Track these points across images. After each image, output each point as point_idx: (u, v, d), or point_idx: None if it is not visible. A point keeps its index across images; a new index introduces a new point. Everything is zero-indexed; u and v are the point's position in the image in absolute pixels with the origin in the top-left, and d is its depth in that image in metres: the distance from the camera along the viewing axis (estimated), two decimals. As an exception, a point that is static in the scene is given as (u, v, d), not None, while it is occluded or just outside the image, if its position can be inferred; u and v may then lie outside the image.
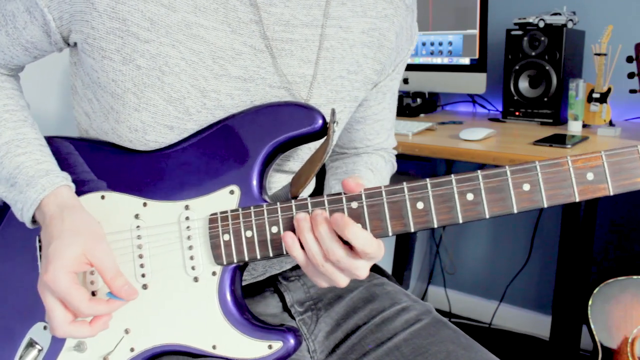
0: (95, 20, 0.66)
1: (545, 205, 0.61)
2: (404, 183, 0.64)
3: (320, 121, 0.69)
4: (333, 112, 0.70)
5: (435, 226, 0.63)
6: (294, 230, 0.65)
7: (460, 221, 0.63)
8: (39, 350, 0.72)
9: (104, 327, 0.66)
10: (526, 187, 0.61)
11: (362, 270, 0.64)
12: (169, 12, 0.67)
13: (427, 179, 0.63)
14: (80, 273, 0.68)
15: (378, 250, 0.63)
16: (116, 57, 0.67)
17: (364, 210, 0.64)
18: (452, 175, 0.63)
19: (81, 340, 0.71)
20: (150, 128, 0.70)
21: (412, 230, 0.64)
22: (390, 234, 0.64)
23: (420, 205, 0.63)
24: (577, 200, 0.61)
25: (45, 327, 0.72)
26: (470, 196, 0.62)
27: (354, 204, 0.64)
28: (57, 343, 0.72)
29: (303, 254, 0.64)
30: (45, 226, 0.67)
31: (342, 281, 0.65)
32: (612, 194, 0.61)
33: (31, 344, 0.72)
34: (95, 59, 0.69)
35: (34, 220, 0.71)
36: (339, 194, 0.65)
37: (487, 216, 0.62)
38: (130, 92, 0.68)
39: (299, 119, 0.70)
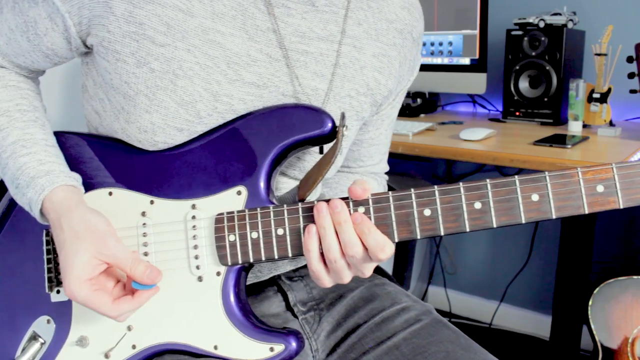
0: (112, 24, 0.66)
1: (554, 217, 0.61)
2: (412, 189, 0.63)
3: (330, 124, 0.69)
4: (343, 116, 0.71)
5: (442, 234, 0.63)
6: (298, 234, 0.65)
7: (467, 230, 0.62)
8: (42, 344, 0.72)
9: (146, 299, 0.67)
10: (535, 197, 0.61)
11: (370, 269, 0.66)
12: (186, 17, 0.67)
13: (435, 186, 0.63)
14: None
15: (389, 255, 0.64)
16: (130, 60, 0.68)
17: (370, 215, 0.64)
18: (461, 183, 0.62)
19: (83, 335, 0.71)
20: (160, 130, 0.70)
21: (418, 237, 0.63)
22: (396, 239, 0.64)
23: (427, 212, 0.63)
24: (586, 212, 0.60)
25: (48, 321, 0.73)
26: (478, 205, 0.62)
27: (361, 209, 0.64)
28: (60, 337, 0.72)
29: (318, 247, 0.64)
30: (52, 230, 0.68)
31: (348, 278, 0.66)
32: (622, 207, 0.60)
33: (34, 337, 0.72)
34: (109, 61, 0.69)
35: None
36: (346, 198, 0.65)
37: (495, 225, 0.62)
38: (142, 94, 0.69)
39: (309, 122, 0.69)
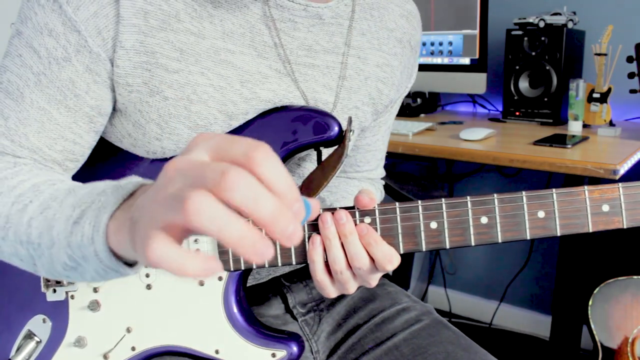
0: (121, 58, 0.62)
1: (559, 234, 0.61)
2: (419, 202, 0.63)
3: (336, 128, 0.69)
4: (350, 121, 0.70)
5: (447, 247, 0.63)
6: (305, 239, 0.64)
7: (473, 244, 0.62)
8: (37, 343, 0.71)
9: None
10: (541, 214, 0.61)
11: (376, 279, 0.64)
12: (198, 39, 0.65)
13: (442, 200, 0.63)
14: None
15: (396, 266, 0.63)
16: (143, 90, 0.65)
17: (376, 226, 0.64)
18: (468, 197, 0.62)
19: (81, 336, 0.71)
20: (171, 152, 0.68)
21: (424, 249, 0.63)
22: (401, 251, 0.63)
23: (434, 225, 0.63)
24: (590, 231, 0.61)
25: (44, 320, 0.72)
26: (484, 219, 0.62)
27: (367, 219, 0.64)
28: (56, 337, 0.72)
29: (323, 258, 0.63)
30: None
31: (354, 288, 0.65)
32: (625, 227, 0.61)
33: (29, 335, 0.72)
34: (121, 94, 0.65)
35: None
36: (352, 207, 0.64)
37: (500, 240, 0.62)
38: (154, 122, 0.66)
39: (315, 125, 0.69)
